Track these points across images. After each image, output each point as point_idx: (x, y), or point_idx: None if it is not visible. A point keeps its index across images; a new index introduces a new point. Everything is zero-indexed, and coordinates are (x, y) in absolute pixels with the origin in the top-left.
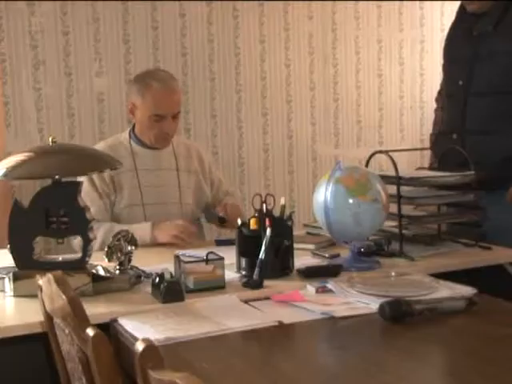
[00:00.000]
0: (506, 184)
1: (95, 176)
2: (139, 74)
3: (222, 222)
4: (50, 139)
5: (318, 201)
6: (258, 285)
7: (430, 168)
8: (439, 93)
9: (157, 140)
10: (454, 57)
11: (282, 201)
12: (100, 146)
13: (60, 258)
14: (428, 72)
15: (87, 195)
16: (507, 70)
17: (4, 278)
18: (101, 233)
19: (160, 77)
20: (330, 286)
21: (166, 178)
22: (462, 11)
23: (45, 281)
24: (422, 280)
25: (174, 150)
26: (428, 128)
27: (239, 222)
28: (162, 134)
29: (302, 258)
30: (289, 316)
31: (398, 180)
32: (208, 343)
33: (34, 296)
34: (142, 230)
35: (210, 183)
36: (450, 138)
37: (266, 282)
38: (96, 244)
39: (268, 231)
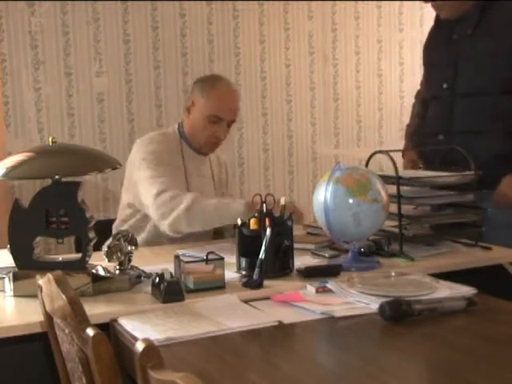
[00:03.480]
0: (493, 183)
1: (159, 158)
2: (205, 76)
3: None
4: (50, 139)
5: (318, 201)
6: (258, 285)
7: (404, 154)
8: (419, 90)
9: (207, 143)
10: (435, 61)
11: (282, 201)
12: (153, 136)
13: (60, 258)
14: None
15: (157, 169)
16: (490, 71)
17: (4, 277)
18: (188, 199)
19: (227, 82)
20: (329, 286)
21: (206, 186)
22: (438, 18)
23: (45, 281)
24: (422, 280)
25: (210, 159)
26: None
27: (239, 221)
28: (214, 139)
29: (302, 258)
30: (289, 316)
31: (397, 180)
32: (208, 343)
33: (34, 296)
34: (234, 208)
35: (229, 196)
36: (437, 138)
37: (266, 282)
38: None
39: (268, 231)
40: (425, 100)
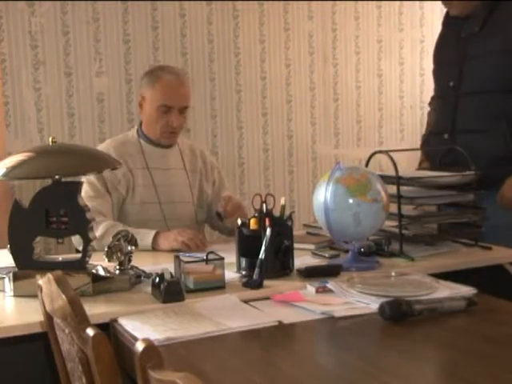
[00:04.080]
0: (496, 184)
1: (106, 172)
2: (151, 68)
3: (219, 217)
4: (50, 139)
5: (318, 201)
6: (258, 285)
7: (420, 166)
8: (432, 97)
9: (162, 134)
10: (443, 60)
11: (282, 201)
12: (108, 144)
13: (60, 258)
14: (428, 72)
15: (92, 187)
16: (495, 70)
17: (4, 277)
18: (101, 229)
19: (171, 70)
20: (330, 286)
21: (177, 178)
22: (448, 16)
23: (45, 281)
24: (422, 280)
25: (181, 150)
26: None
27: (239, 221)
28: (168, 128)
29: (302, 258)
30: (289, 316)
31: (398, 180)
32: (208, 343)
33: (34, 296)
34: (144, 237)
35: (212, 184)
36: (442, 138)
37: (266, 282)
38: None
39: (268, 231)
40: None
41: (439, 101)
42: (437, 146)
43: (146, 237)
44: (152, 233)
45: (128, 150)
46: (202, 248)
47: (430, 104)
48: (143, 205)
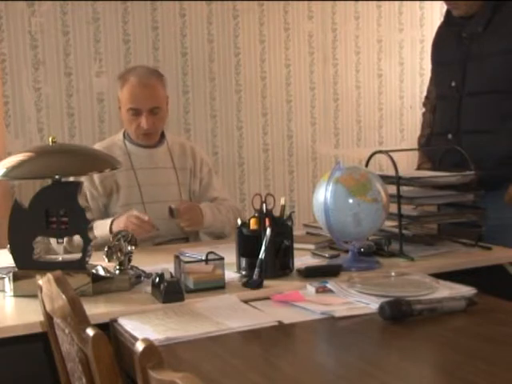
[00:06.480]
0: (503, 183)
1: (84, 179)
2: (123, 71)
3: (170, 213)
4: (50, 139)
5: (318, 201)
6: (258, 285)
7: (419, 168)
8: (426, 97)
9: (137, 136)
10: (444, 59)
11: (282, 201)
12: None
13: (60, 258)
14: (428, 72)
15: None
16: (500, 70)
17: (4, 277)
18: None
19: (137, 72)
20: (329, 286)
21: (164, 177)
22: (449, 15)
23: (45, 281)
24: (422, 280)
25: (169, 149)
26: None
27: (239, 222)
28: (140, 130)
29: (302, 258)
30: (289, 316)
31: (397, 180)
32: (208, 343)
33: (34, 296)
34: (103, 227)
35: (199, 181)
36: (446, 138)
37: (266, 282)
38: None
39: (268, 231)
40: (434, 107)
41: (441, 101)
42: (441, 146)
43: (103, 227)
44: (108, 222)
45: (113, 153)
46: (150, 230)
47: (425, 105)
48: (127, 206)
